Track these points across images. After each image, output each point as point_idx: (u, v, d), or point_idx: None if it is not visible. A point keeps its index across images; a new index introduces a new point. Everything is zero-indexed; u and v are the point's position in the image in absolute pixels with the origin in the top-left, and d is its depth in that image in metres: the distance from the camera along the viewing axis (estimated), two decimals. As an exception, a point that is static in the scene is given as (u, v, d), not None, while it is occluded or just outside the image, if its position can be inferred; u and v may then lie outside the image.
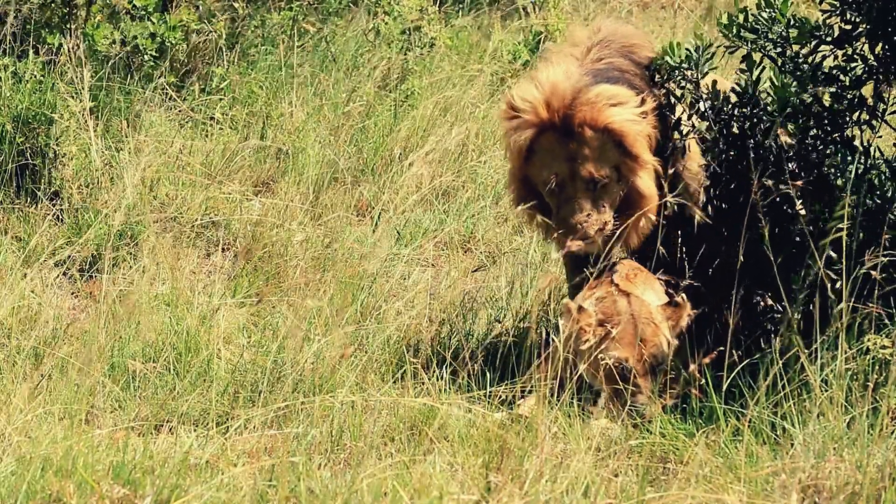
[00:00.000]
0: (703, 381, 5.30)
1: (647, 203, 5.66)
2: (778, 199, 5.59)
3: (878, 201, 5.48)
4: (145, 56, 7.59)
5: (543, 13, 9.13)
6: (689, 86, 5.74)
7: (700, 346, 5.55)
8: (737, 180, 5.74)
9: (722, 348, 5.33)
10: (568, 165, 5.64)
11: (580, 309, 5.55)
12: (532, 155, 5.70)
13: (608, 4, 9.76)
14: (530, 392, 5.50)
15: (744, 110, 5.68)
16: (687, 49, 5.70)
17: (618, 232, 5.61)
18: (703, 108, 5.74)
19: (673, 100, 5.81)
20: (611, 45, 5.83)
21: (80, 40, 7.42)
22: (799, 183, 5.53)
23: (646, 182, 5.65)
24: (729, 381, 5.32)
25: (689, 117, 5.78)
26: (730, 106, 5.71)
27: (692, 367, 5.26)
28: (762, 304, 5.75)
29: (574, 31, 6.20)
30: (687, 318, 5.59)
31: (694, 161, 5.82)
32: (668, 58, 5.73)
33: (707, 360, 5.24)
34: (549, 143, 5.67)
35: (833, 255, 5.51)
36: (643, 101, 5.64)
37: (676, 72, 5.73)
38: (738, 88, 5.69)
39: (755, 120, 5.66)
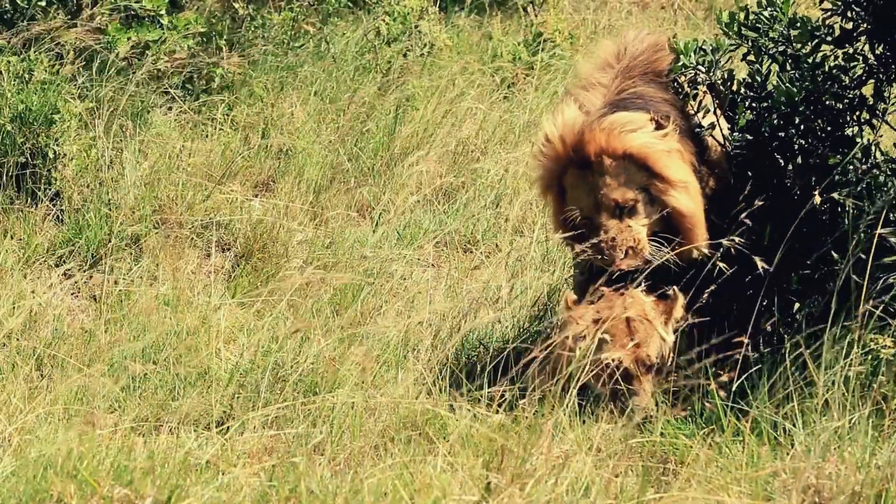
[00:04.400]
0: (710, 382, 5.30)
1: (690, 222, 5.59)
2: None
3: (879, 201, 5.49)
4: (153, 58, 7.59)
5: (543, 13, 9.13)
6: (702, 87, 5.73)
7: (703, 348, 5.55)
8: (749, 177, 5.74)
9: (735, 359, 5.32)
10: (591, 197, 5.60)
11: (577, 301, 5.56)
12: (564, 194, 5.70)
13: (608, 5, 9.76)
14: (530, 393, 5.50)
15: (755, 104, 5.68)
16: (703, 49, 5.67)
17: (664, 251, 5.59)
18: (712, 108, 5.74)
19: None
20: (634, 71, 5.78)
21: (84, 38, 7.43)
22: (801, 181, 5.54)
23: (683, 201, 5.59)
24: (733, 382, 5.32)
25: (705, 114, 5.77)
26: (740, 98, 5.70)
27: (713, 385, 5.24)
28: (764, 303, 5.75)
29: (601, 48, 6.13)
30: (680, 310, 5.58)
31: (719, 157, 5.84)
32: (682, 58, 5.69)
33: (726, 378, 5.23)
34: (574, 179, 5.65)
35: (835, 255, 5.52)
36: (661, 124, 5.59)
37: (692, 72, 5.71)
38: (748, 80, 5.68)
39: (766, 113, 5.65)
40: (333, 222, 7.30)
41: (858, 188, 5.52)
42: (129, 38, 7.54)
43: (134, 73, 7.52)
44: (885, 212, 5.44)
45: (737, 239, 5.51)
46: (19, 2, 7.56)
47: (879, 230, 5.39)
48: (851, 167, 5.57)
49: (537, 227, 7.23)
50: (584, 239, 5.66)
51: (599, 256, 5.58)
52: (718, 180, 5.81)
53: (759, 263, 5.50)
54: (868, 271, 5.33)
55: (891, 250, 5.43)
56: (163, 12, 7.68)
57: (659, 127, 5.58)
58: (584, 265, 5.78)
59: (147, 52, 7.63)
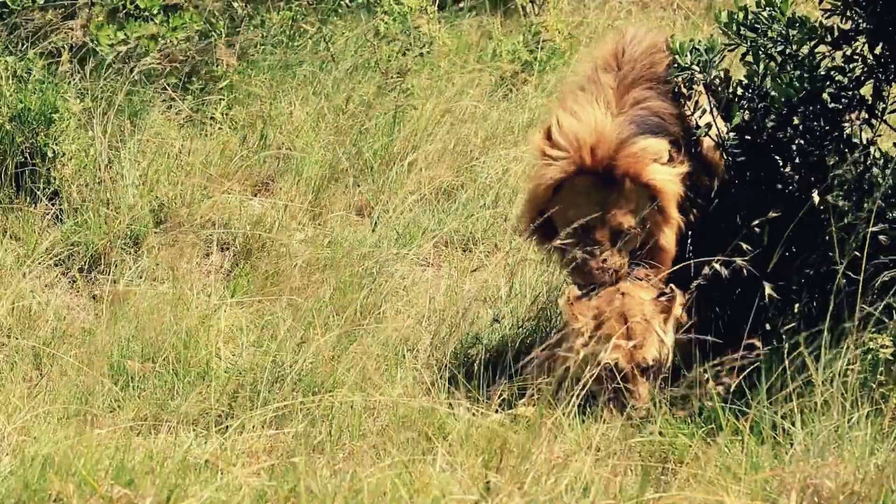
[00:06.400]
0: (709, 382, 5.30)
1: (665, 256, 5.71)
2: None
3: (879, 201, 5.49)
4: (147, 57, 7.59)
5: (543, 13, 9.13)
6: (698, 87, 5.74)
7: (701, 348, 5.55)
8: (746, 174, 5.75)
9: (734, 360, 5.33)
10: (598, 211, 5.62)
11: (578, 297, 5.56)
12: (560, 192, 5.69)
13: (608, 4, 9.76)
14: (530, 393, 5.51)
15: (752, 104, 5.68)
16: (697, 49, 5.67)
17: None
18: (708, 108, 5.74)
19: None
20: (639, 80, 5.77)
21: (83, 39, 7.43)
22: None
23: (668, 238, 5.69)
24: (734, 384, 5.32)
25: (702, 114, 5.78)
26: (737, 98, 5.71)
27: (713, 385, 5.24)
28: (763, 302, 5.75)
29: (601, 46, 6.11)
30: (679, 308, 5.58)
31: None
32: (678, 58, 5.69)
33: (728, 381, 5.24)
34: (582, 186, 5.65)
35: (832, 255, 5.52)
36: (673, 157, 5.64)
37: (687, 72, 5.70)
38: (745, 80, 5.68)
39: (763, 112, 5.65)
40: (333, 222, 7.30)
41: (855, 188, 5.52)
42: (115, 35, 7.54)
43: (132, 71, 7.52)
44: (879, 210, 5.45)
45: (739, 261, 5.54)
46: (9, 2, 7.55)
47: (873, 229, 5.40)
48: (850, 167, 5.58)
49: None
50: (553, 238, 5.67)
51: (579, 270, 5.62)
52: (712, 178, 5.84)
53: (768, 290, 5.54)
54: (862, 270, 5.33)
55: (887, 248, 5.44)
56: (155, 10, 7.67)
57: (671, 158, 5.63)
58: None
59: (138, 50, 7.62)
